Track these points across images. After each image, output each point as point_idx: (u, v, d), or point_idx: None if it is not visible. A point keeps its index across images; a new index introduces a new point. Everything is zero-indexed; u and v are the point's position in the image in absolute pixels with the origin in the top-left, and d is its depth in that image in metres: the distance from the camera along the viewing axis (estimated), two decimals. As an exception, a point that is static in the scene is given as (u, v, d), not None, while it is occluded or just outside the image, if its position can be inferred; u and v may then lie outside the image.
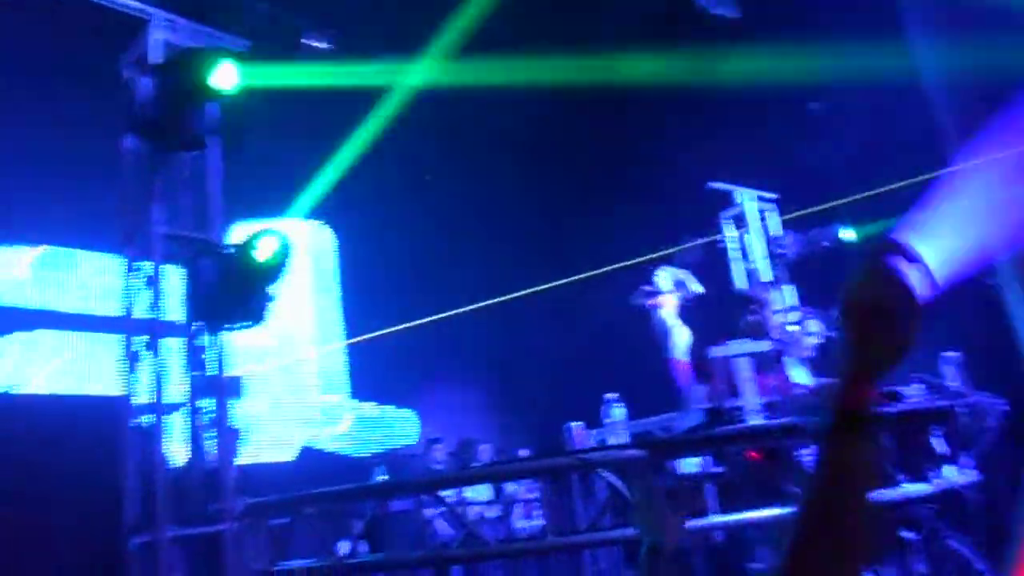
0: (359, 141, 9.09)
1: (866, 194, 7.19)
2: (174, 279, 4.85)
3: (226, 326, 4.93)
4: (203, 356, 4.88)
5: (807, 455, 4.42)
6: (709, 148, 8.73)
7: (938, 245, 1.05)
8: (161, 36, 4.95)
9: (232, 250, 4.76)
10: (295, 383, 10.30)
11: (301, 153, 8.89)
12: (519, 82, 8.18)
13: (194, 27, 5.13)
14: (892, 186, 7.21)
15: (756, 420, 4.11)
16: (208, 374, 4.92)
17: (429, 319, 9.25)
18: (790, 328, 5.50)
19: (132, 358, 4.69)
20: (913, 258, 0.99)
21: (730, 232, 7.66)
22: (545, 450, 4.96)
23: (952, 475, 4.43)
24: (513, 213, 10.13)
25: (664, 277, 7.88)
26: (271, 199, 8.91)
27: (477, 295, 9.43)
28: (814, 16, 7.83)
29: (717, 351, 4.40)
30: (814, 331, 5.35)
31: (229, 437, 4.92)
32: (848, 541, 0.98)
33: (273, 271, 4.79)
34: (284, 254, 4.72)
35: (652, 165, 9.42)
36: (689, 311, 7.66)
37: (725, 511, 4.11)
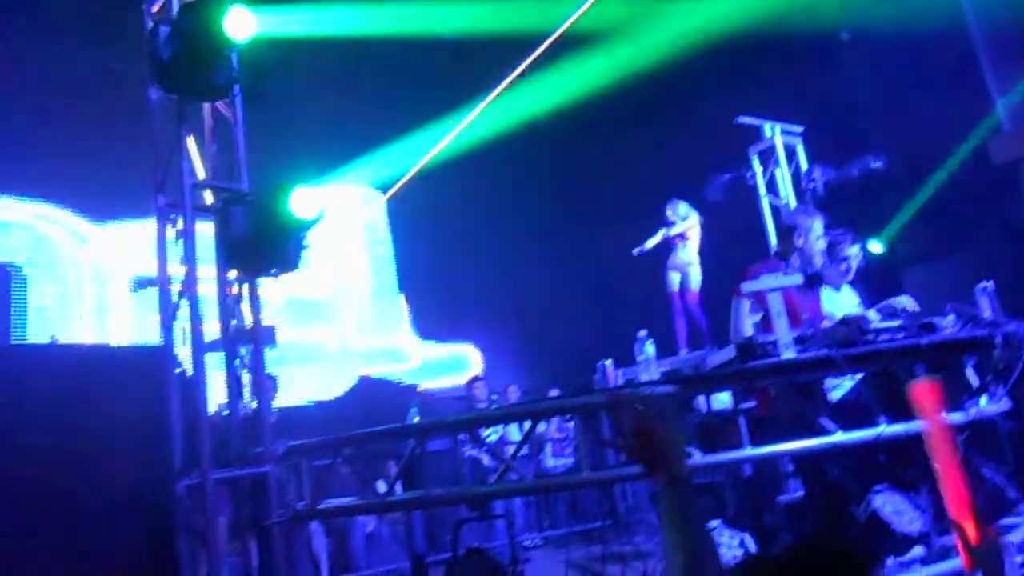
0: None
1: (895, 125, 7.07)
2: (207, 230, 4.91)
3: (261, 273, 5.01)
4: (239, 304, 4.97)
5: (832, 387, 4.45)
6: (739, 84, 8.57)
7: None
8: (182, -16, 4.91)
9: (263, 199, 4.79)
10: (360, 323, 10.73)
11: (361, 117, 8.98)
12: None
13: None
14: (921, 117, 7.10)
15: (789, 354, 4.11)
16: (244, 323, 5.02)
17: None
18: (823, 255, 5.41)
19: (170, 308, 4.79)
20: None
21: (758, 167, 7.59)
22: (576, 388, 5.01)
23: (984, 405, 4.43)
24: (543, 155, 10.08)
25: (687, 209, 7.89)
26: (333, 162, 9.06)
27: (508, 244, 9.52)
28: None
29: (748, 285, 4.38)
30: (852, 254, 5.27)
31: (265, 383, 5.04)
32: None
33: (306, 224, 4.82)
34: (317, 210, 4.73)
35: (681, 101, 9.27)
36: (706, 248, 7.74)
37: (756, 445, 4.16)
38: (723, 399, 4.68)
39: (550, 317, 10.94)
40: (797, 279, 4.50)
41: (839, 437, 4.08)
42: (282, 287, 8.16)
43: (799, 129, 7.74)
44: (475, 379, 8.95)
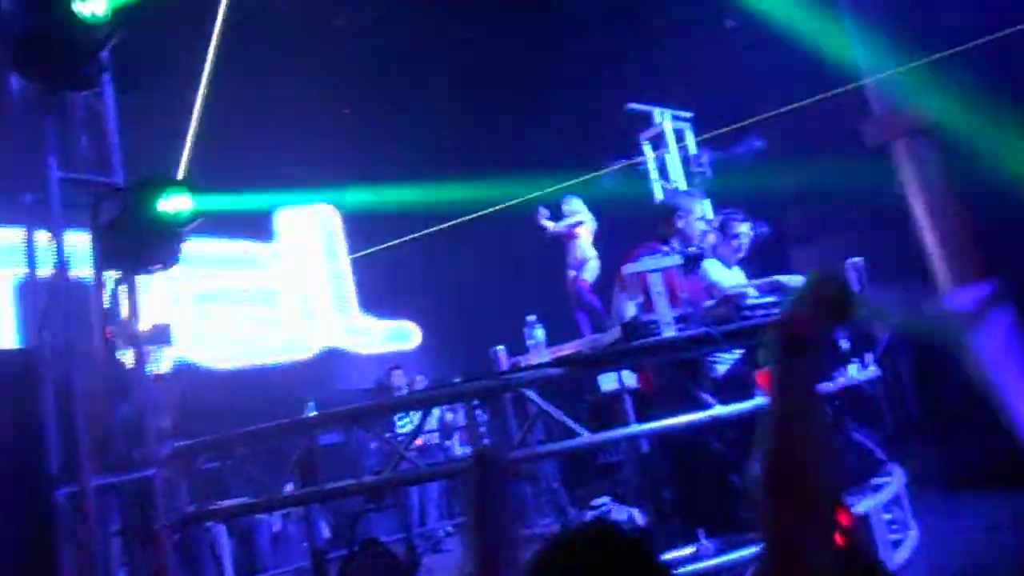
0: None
1: (778, 111, 7.35)
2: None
3: (140, 271, 4.83)
4: (116, 303, 4.78)
5: (716, 363, 4.63)
6: (627, 70, 8.73)
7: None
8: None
9: (136, 195, 4.61)
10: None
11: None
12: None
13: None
14: (804, 102, 7.39)
15: (669, 332, 4.24)
16: (129, 322, 4.83)
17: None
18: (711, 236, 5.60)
19: (43, 308, 4.56)
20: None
21: (649, 153, 7.76)
22: (472, 375, 5.05)
23: (854, 372, 4.69)
24: (432, 139, 9.98)
25: (580, 205, 8.02)
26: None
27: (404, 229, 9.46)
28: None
29: (630, 267, 4.50)
30: (743, 231, 5.45)
31: (148, 385, 4.87)
32: (808, 434, 1.28)
33: (182, 219, 4.66)
34: (191, 209, 4.58)
35: (570, 89, 9.37)
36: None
37: (643, 421, 4.28)
38: (612, 380, 4.80)
39: (459, 308, 10.98)
40: (676, 260, 4.64)
41: (718, 411, 4.24)
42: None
43: (688, 115, 7.96)
44: (393, 367, 8.87)
